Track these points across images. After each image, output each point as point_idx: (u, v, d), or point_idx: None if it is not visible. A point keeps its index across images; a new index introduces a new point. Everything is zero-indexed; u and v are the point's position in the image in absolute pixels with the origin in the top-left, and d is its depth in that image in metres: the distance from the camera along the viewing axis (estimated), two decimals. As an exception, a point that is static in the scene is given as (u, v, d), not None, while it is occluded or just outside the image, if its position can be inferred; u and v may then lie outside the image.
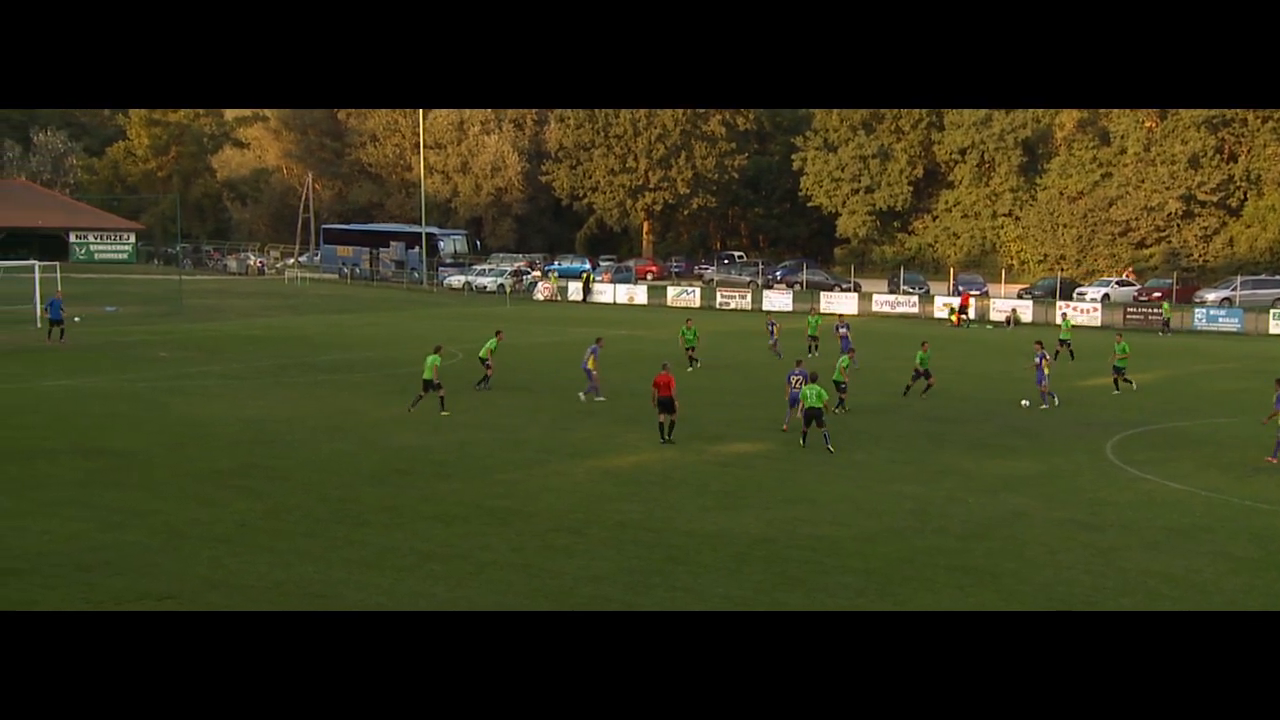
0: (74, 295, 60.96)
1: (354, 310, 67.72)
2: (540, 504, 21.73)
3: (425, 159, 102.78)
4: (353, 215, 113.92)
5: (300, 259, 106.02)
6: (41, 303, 53.93)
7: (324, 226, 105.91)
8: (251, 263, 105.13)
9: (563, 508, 21.48)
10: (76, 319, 54.38)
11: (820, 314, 51.35)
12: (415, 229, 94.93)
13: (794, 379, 28.79)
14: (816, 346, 44.99)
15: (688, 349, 41.41)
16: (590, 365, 33.30)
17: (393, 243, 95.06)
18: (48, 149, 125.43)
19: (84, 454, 25.44)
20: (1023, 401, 33.78)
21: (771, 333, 45.72)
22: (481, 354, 35.75)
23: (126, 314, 60.59)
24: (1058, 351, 44.87)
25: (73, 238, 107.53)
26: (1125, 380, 36.95)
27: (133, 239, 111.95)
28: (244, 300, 72.83)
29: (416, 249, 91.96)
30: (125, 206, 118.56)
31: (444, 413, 30.38)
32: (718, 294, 76.49)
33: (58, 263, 68.16)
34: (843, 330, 43.25)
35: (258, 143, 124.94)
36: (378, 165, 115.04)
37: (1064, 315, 58.06)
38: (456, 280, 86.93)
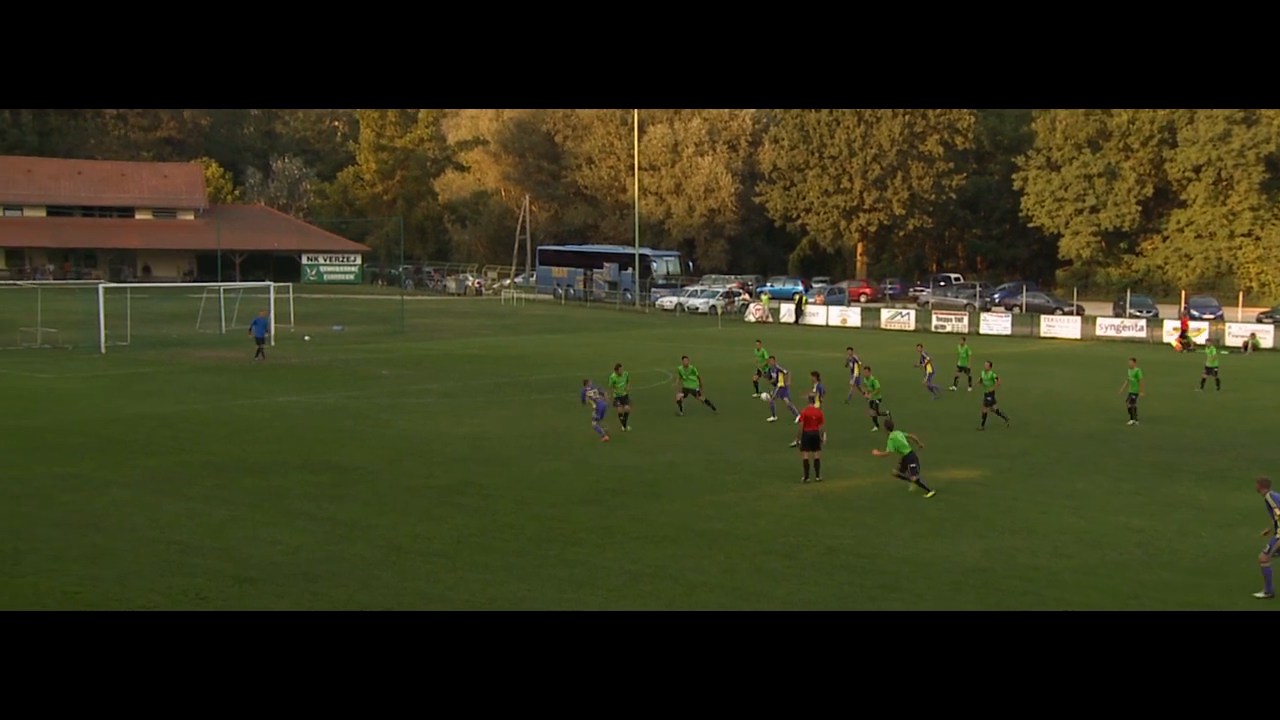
0: (304, 314, 63.95)
1: (567, 330, 68.86)
2: (751, 527, 21.60)
3: (639, 181, 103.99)
4: (568, 236, 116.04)
5: (516, 279, 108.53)
6: (277, 322, 56.70)
7: (540, 248, 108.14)
8: (470, 283, 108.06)
9: (773, 531, 21.30)
10: (306, 338, 57.01)
11: (969, 345, 44.06)
12: (629, 250, 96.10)
13: (590, 392, 30.24)
14: (969, 379, 40.86)
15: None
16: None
17: (606, 264, 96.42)
18: (285, 175, 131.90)
19: (312, 468, 26.50)
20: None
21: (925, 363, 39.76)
22: (761, 367, 38.44)
23: (352, 333, 62.99)
24: (1203, 380, 42.44)
25: (304, 259, 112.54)
26: (998, 413, 33.04)
27: (359, 260, 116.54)
28: (462, 320, 74.90)
29: (630, 270, 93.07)
30: (352, 229, 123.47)
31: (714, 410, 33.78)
32: (933, 317, 74.87)
33: (290, 283, 71.35)
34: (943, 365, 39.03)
35: (478, 166, 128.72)
36: (593, 187, 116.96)
37: (1208, 341, 54.68)
38: (669, 301, 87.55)
